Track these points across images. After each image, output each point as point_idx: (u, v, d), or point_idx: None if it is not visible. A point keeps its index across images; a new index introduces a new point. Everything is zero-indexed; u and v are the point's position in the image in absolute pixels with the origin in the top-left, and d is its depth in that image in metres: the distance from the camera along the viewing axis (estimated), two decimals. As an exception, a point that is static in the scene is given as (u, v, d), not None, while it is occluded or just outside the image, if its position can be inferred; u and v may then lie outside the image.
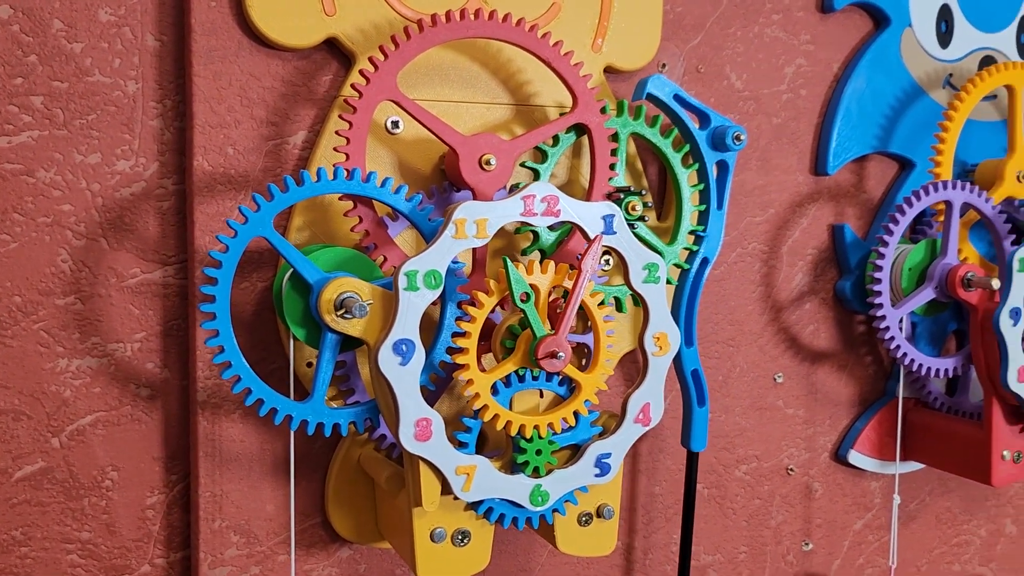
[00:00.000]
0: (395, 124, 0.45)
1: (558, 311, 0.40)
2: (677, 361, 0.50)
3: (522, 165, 0.46)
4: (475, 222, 0.39)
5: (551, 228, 0.45)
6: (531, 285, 0.40)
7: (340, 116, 0.41)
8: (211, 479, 0.45)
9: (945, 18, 0.59)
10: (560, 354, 0.39)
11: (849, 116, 0.56)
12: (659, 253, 0.46)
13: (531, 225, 0.41)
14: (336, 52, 0.45)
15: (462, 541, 0.42)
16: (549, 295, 0.41)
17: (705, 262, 0.49)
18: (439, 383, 0.44)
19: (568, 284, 0.40)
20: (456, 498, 0.40)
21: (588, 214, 0.41)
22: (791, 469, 0.58)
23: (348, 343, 0.40)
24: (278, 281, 0.41)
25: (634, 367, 0.53)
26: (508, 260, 0.39)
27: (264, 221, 0.38)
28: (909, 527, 0.63)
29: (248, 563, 0.46)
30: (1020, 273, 0.52)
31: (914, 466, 0.61)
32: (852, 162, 0.58)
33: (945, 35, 0.59)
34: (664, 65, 0.52)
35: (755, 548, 0.58)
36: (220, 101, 0.43)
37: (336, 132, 0.41)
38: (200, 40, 0.42)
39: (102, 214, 0.43)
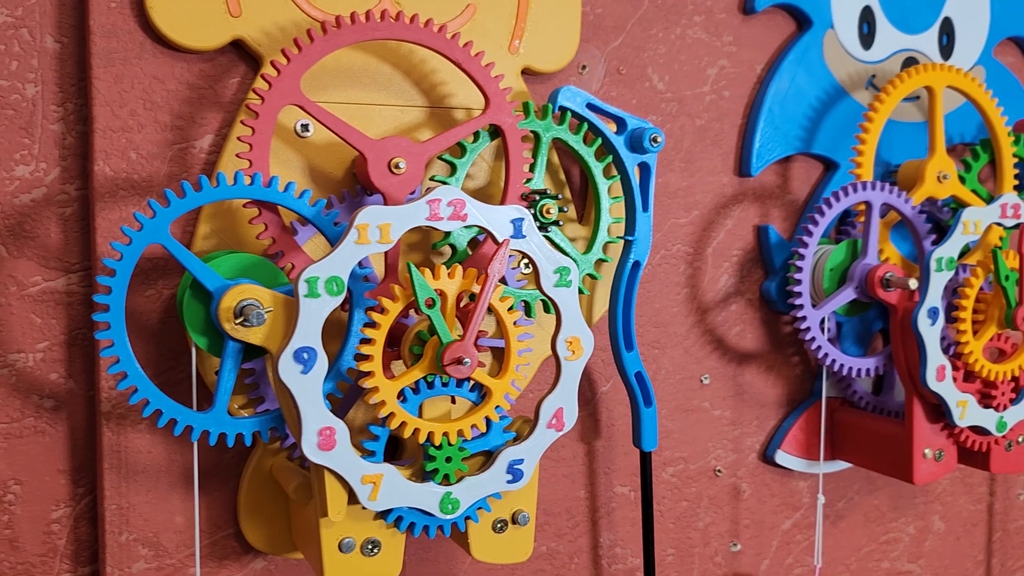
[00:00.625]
0: (305, 127, 0.44)
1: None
2: (620, 365, 0.50)
3: (443, 164, 0.45)
4: (378, 227, 0.38)
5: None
6: (438, 290, 0.39)
7: (242, 122, 0.40)
8: (117, 492, 0.43)
9: (867, 19, 0.59)
10: (466, 360, 0.39)
11: (772, 117, 0.57)
12: (574, 257, 0.46)
13: (437, 229, 0.40)
14: (244, 54, 0.44)
15: (372, 550, 0.41)
16: (460, 300, 0.41)
17: (637, 265, 0.49)
18: (352, 391, 0.43)
19: (477, 289, 0.40)
20: (365, 507, 0.39)
21: (497, 218, 0.40)
22: (718, 471, 0.59)
23: (252, 351, 0.40)
24: (181, 288, 0.40)
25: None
26: (412, 265, 0.38)
27: (160, 228, 0.37)
28: (838, 525, 0.64)
29: (156, 574, 0.45)
30: (938, 273, 0.52)
31: (842, 465, 0.62)
32: (776, 163, 0.58)
33: (867, 36, 0.59)
34: (584, 67, 0.52)
35: (682, 550, 0.58)
36: (122, 104, 0.42)
37: (238, 138, 0.40)
38: (100, 42, 0.41)
39: (1, 221, 0.42)
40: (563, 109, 0.47)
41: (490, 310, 0.40)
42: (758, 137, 0.56)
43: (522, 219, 0.41)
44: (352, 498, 0.39)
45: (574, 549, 0.55)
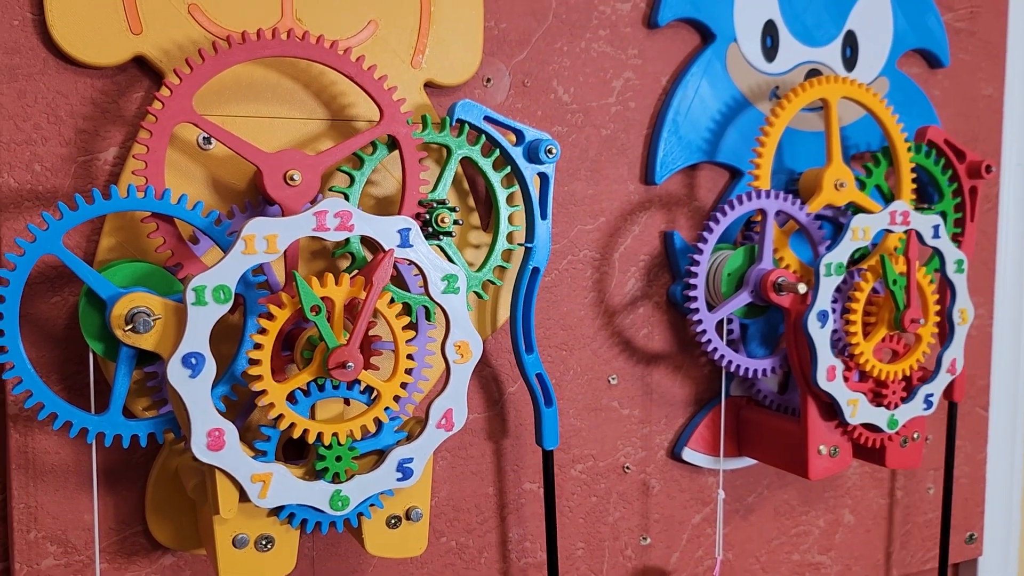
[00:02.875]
0: (207, 140, 0.46)
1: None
2: (522, 367, 0.52)
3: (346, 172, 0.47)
4: (265, 238, 0.40)
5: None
6: (324, 298, 0.41)
7: (136, 140, 0.42)
8: (25, 491, 0.45)
9: (770, 33, 0.62)
10: (349, 364, 0.41)
11: (675, 128, 0.59)
12: (461, 265, 0.48)
13: (324, 239, 0.42)
14: (147, 69, 0.46)
15: (266, 546, 0.43)
16: (353, 306, 0.42)
17: (536, 271, 0.51)
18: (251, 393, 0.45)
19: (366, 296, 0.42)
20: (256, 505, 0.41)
21: (383, 228, 0.42)
22: (627, 467, 0.61)
23: (149, 356, 0.41)
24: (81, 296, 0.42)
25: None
26: (296, 274, 0.40)
27: (54, 239, 0.39)
28: (748, 519, 0.66)
29: (66, 572, 0.46)
30: (827, 277, 0.55)
31: (750, 461, 0.64)
32: (683, 171, 0.60)
33: (771, 49, 0.62)
34: (489, 79, 0.54)
35: (592, 544, 0.60)
36: (26, 119, 0.44)
37: (133, 156, 0.42)
38: (3, 59, 0.43)
39: (-91, 231, 0.44)
40: (460, 122, 0.49)
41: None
42: (662, 147, 0.58)
43: (409, 229, 0.43)
44: (244, 496, 0.41)
45: (483, 544, 0.57)
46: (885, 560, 0.72)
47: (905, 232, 0.57)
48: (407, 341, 0.43)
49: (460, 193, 0.53)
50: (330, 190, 0.47)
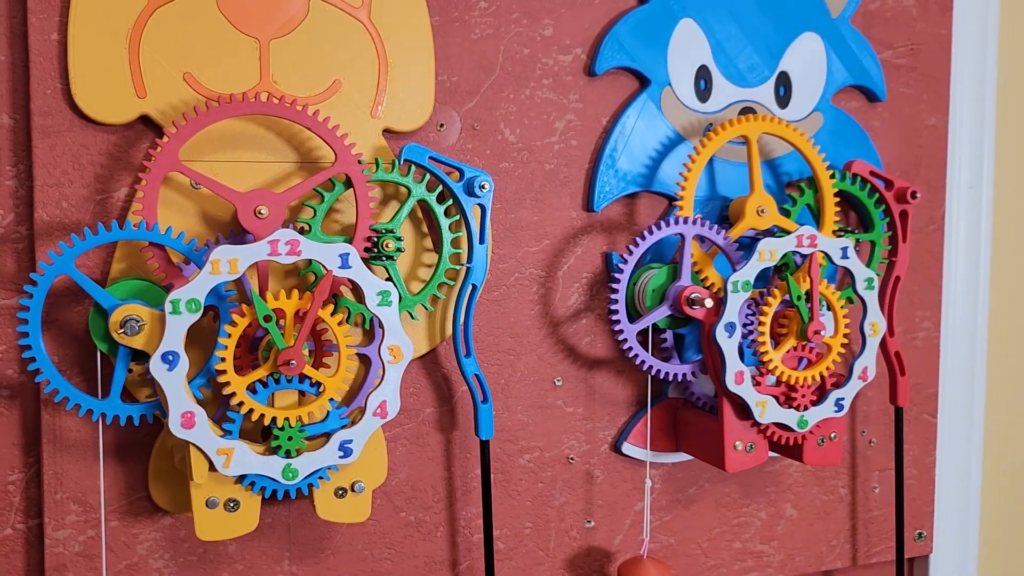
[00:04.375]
0: (196, 183, 0.57)
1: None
2: (461, 368, 0.61)
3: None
4: (228, 261, 0.50)
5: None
6: (276, 309, 0.52)
7: (134, 185, 0.53)
8: (53, 460, 0.57)
9: (704, 77, 0.70)
10: (292, 362, 0.51)
11: (611, 162, 0.67)
12: (396, 284, 0.58)
13: (278, 262, 0.53)
14: (151, 125, 0.57)
15: (233, 507, 0.53)
16: (306, 316, 0.53)
17: (474, 288, 0.61)
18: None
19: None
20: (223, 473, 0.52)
21: (326, 253, 0.52)
22: (571, 459, 0.69)
23: (141, 354, 0.52)
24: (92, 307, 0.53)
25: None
26: (252, 290, 0.51)
27: (67, 262, 0.50)
28: (690, 509, 0.74)
29: (85, 527, 0.58)
30: (735, 294, 0.62)
31: (689, 457, 0.72)
32: (624, 199, 0.69)
33: (705, 91, 0.70)
34: (442, 124, 0.64)
35: (539, 524, 0.69)
36: (55, 167, 0.55)
37: (124, 198, 0.53)
38: (38, 119, 0.55)
39: (-31, 254, 0.56)
40: (408, 161, 0.59)
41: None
42: (599, 179, 0.67)
43: (348, 253, 0.53)
44: (213, 467, 0.52)
45: (439, 520, 0.66)
46: (829, 552, 0.79)
47: (815, 254, 0.65)
48: (347, 345, 0.53)
49: (415, 222, 0.63)
50: (296, 220, 0.58)
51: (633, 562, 0.67)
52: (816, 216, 0.71)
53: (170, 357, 0.50)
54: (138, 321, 0.50)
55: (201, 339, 0.56)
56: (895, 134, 0.78)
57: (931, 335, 0.81)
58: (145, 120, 0.57)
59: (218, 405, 0.56)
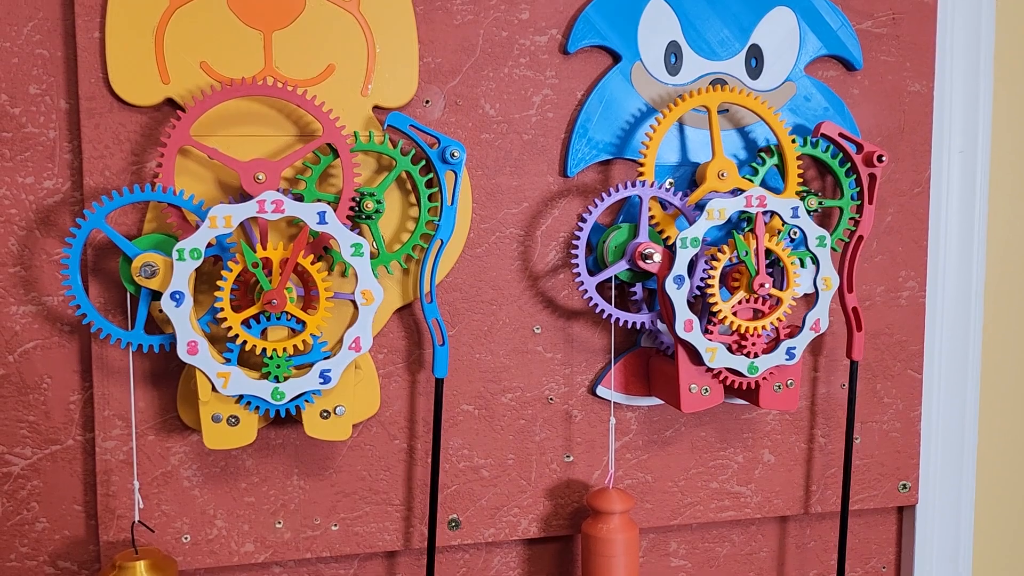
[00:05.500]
0: (214, 152, 0.68)
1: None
2: (423, 311, 0.70)
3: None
4: (223, 217, 0.61)
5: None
6: (263, 258, 0.62)
7: (157, 160, 0.65)
8: (102, 384, 0.69)
9: (674, 51, 0.76)
10: (274, 301, 0.61)
11: (584, 132, 0.74)
12: (376, 241, 0.67)
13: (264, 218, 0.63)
14: (175, 106, 0.68)
15: (234, 423, 0.64)
16: (286, 263, 0.63)
17: (441, 242, 0.70)
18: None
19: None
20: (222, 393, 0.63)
21: (306, 211, 0.62)
22: (551, 399, 0.77)
23: (159, 295, 0.64)
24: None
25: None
26: (242, 242, 0.61)
27: (99, 219, 0.62)
28: (666, 450, 0.80)
29: (127, 440, 0.70)
30: (683, 249, 0.69)
31: (658, 401, 0.79)
32: (598, 165, 0.76)
33: (675, 65, 0.76)
34: (428, 100, 0.73)
35: (521, 457, 0.77)
36: (99, 142, 0.68)
37: (155, 170, 0.65)
38: (85, 103, 0.67)
39: (36, 215, 0.69)
40: (391, 128, 0.68)
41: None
42: (572, 147, 0.74)
43: (324, 211, 0.62)
44: (214, 387, 0.63)
45: (429, 448, 0.76)
46: (807, 497, 0.84)
47: (763, 213, 0.70)
48: (326, 289, 0.63)
49: (405, 192, 0.72)
50: (288, 188, 0.68)
51: (599, 492, 0.74)
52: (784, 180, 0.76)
53: (177, 296, 0.61)
54: (152, 266, 0.61)
55: (211, 283, 0.67)
56: (876, 101, 0.81)
57: (916, 294, 0.84)
58: (170, 102, 0.68)
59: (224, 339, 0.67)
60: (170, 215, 0.65)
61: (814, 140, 0.76)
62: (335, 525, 0.74)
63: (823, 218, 0.80)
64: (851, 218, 0.77)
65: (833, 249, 0.78)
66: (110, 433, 0.70)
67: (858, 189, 0.77)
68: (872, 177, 0.77)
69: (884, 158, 0.75)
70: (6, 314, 0.69)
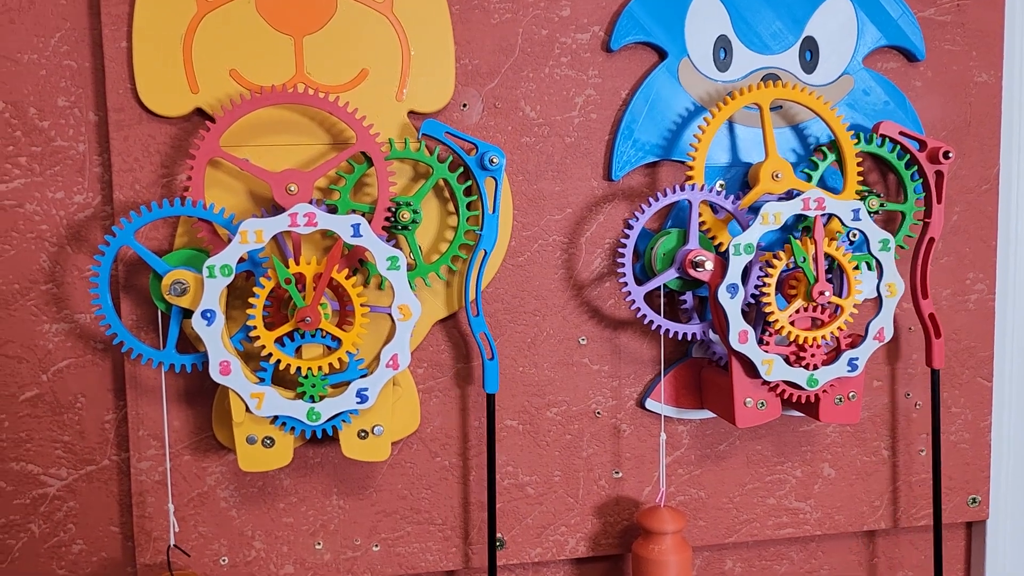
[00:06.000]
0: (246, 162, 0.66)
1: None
2: (471, 326, 0.67)
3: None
4: (254, 232, 0.59)
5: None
6: (296, 273, 0.59)
7: (186, 173, 0.63)
8: (136, 404, 0.68)
9: (723, 46, 0.72)
10: (307, 319, 0.59)
11: (629, 133, 0.71)
12: (413, 252, 0.64)
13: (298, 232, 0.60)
14: (205, 116, 0.66)
15: (269, 444, 0.62)
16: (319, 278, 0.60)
17: (484, 253, 0.67)
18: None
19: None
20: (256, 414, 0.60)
21: (339, 223, 0.60)
22: (598, 413, 0.74)
23: (190, 311, 0.62)
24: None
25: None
26: (274, 257, 0.59)
27: (128, 235, 0.60)
28: (720, 464, 0.77)
29: (162, 460, 0.68)
30: (736, 256, 0.65)
31: (711, 414, 0.75)
32: (645, 168, 0.72)
33: (724, 60, 0.72)
34: (465, 104, 0.70)
35: (568, 473, 0.74)
36: (129, 154, 0.66)
37: (184, 183, 0.62)
38: (113, 115, 0.65)
39: (67, 230, 0.67)
40: (426, 136, 0.65)
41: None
42: (616, 149, 0.71)
43: (358, 224, 0.60)
44: (248, 408, 0.60)
45: (473, 464, 0.73)
46: (871, 513, 0.80)
47: (822, 216, 0.66)
48: (361, 304, 0.60)
49: (443, 200, 0.69)
50: (321, 199, 0.65)
51: (650, 511, 0.71)
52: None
53: (208, 314, 0.59)
54: (182, 284, 0.59)
55: (245, 299, 0.64)
56: (940, 93, 0.77)
57: (984, 297, 0.79)
58: (200, 112, 0.66)
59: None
60: (201, 229, 0.63)
61: (874, 137, 0.72)
62: (376, 546, 0.72)
63: (886, 219, 0.76)
64: (917, 212, 0.73)
65: (901, 247, 0.73)
66: (145, 453, 0.68)
67: (922, 181, 0.72)
68: (939, 175, 0.72)
69: (951, 154, 0.71)
70: (39, 332, 0.67)
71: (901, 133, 0.71)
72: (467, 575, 0.75)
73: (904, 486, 0.80)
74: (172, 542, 0.65)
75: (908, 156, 0.72)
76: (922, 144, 0.72)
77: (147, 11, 0.64)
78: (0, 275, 0.66)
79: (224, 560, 0.70)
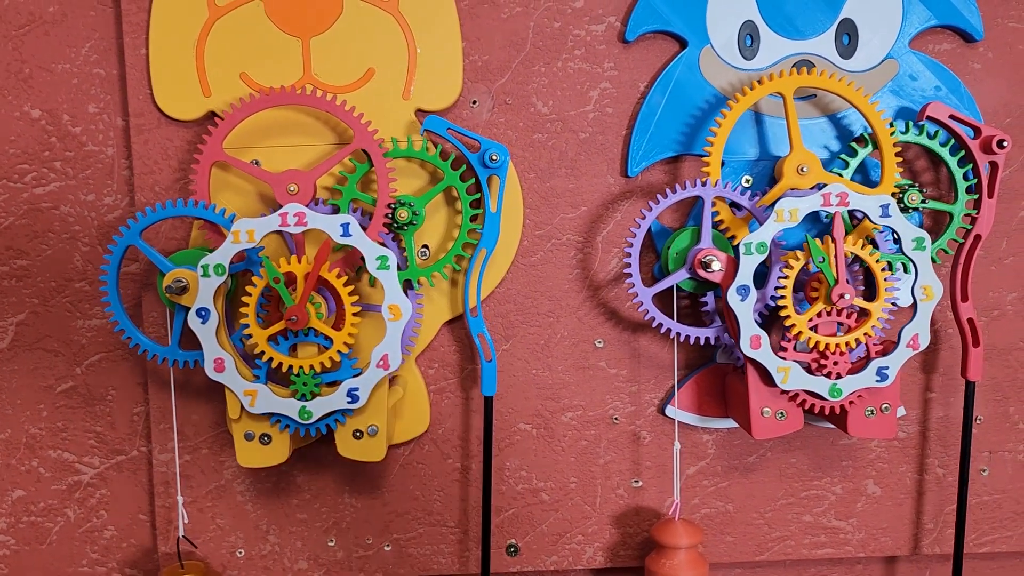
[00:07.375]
0: (256, 163, 0.67)
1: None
2: (469, 326, 0.66)
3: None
4: (246, 231, 0.60)
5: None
6: (287, 272, 0.60)
7: (189, 175, 0.64)
8: (157, 398, 0.70)
9: (750, 32, 0.68)
10: (293, 317, 0.59)
11: (646, 127, 0.68)
12: (408, 252, 0.63)
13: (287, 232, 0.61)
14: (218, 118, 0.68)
15: (266, 441, 0.63)
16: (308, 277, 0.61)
17: (484, 252, 0.65)
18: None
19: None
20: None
21: (329, 223, 0.60)
22: (615, 419, 0.71)
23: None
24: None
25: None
26: (265, 257, 0.59)
27: (134, 235, 0.62)
28: (749, 477, 0.72)
29: (182, 452, 0.71)
30: (747, 256, 0.61)
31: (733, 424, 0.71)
32: (664, 163, 0.69)
33: (751, 48, 0.68)
34: (475, 101, 0.68)
35: (584, 480, 0.72)
36: (149, 157, 0.68)
37: (189, 186, 0.64)
38: (134, 120, 0.68)
39: (98, 231, 0.70)
40: (429, 132, 0.65)
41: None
42: (632, 145, 0.68)
43: (347, 223, 0.60)
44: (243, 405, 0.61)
45: (481, 467, 0.71)
46: (921, 535, 0.73)
47: (847, 212, 0.61)
48: (352, 303, 0.60)
49: (451, 200, 0.68)
50: (323, 199, 0.66)
51: (663, 524, 0.68)
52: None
53: (203, 312, 0.60)
54: (181, 282, 0.61)
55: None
56: (1002, 76, 0.69)
57: (1058, 302, 0.71)
58: (213, 115, 0.67)
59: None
60: (207, 230, 0.64)
61: (919, 125, 0.66)
62: (388, 545, 0.72)
63: (934, 216, 0.69)
64: (966, 215, 0.66)
65: (945, 251, 0.67)
66: (165, 446, 0.71)
67: (975, 180, 0.66)
68: (992, 166, 0.65)
69: (1006, 143, 0.64)
70: (73, 328, 0.71)
71: (952, 117, 0.65)
72: (483, 580, 0.74)
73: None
74: (181, 533, 0.67)
75: (958, 144, 0.66)
76: (976, 131, 0.65)
77: (162, 18, 0.66)
78: (39, 273, 0.70)
79: (240, 552, 0.71)
